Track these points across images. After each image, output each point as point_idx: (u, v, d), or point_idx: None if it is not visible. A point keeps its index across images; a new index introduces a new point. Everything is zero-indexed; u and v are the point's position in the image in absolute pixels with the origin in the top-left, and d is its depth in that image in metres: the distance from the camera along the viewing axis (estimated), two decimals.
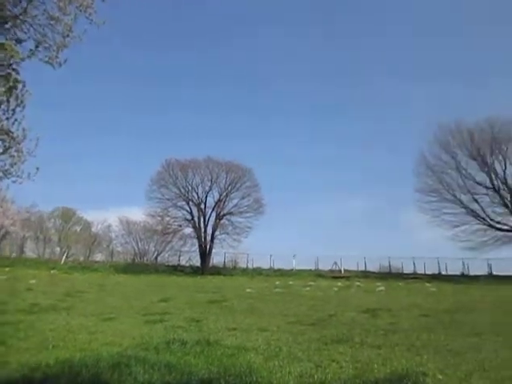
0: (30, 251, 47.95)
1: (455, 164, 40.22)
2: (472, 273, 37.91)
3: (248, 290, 22.39)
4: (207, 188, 43.11)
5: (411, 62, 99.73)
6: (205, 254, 40.30)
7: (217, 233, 41.97)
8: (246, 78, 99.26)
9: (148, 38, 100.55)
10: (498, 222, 38.28)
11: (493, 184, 38.65)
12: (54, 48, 5.88)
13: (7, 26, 5.66)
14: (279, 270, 38.70)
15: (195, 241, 42.35)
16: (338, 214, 78.57)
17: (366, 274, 37.19)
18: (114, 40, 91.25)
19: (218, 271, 38.09)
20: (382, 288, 25.78)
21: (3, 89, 5.67)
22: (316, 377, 5.96)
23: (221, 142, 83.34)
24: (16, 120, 5.91)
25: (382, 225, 75.08)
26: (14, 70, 5.76)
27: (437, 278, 35.27)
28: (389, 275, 37.14)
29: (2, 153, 5.90)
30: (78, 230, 54.48)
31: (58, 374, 5.75)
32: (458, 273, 38.03)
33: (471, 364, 6.76)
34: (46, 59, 5.90)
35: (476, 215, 38.81)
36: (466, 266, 38.62)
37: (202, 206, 42.78)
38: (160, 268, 39.04)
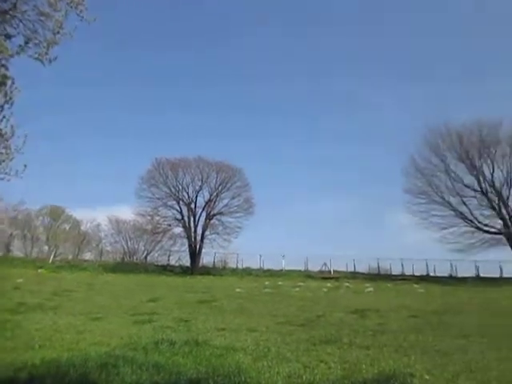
0: (18, 250, 47.26)
1: (444, 166, 40.53)
2: (460, 274, 38.21)
3: (237, 290, 22.37)
4: (198, 187, 43.00)
5: (410, 62, 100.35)
6: (195, 254, 40.15)
7: (207, 233, 41.85)
8: (234, 78, 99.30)
9: (143, 38, 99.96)
10: (486, 225, 38.66)
11: (481, 187, 39.02)
12: (44, 44, 5.81)
13: None
14: (269, 270, 38.67)
15: (185, 240, 42.19)
16: (327, 214, 78.79)
17: (355, 275, 37.32)
18: (107, 40, 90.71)
19: (207, 271, 37.96)
20: (371, 289, 25.93)
21: None
22: (304, 377, 5.98)
23: (211, 141, 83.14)
24: (4, 117, 5.83)
25: (370, 226, 75.51)
26: (2, 65, 5.68)
27: (425, 279, 35.49)
28: (377, 276, 37.34)
29: None
30: (67, 228, 53.81)
31: (45, 374, 5.69)
32: (445, 274, 38.31)
33: (458, 365, 6.83)
34: (36, 56, 5.82)
35: (464, 217, 39.14)
36: (454, 268, 38.95)
37: (193, 206, 42.66)
38: (149, 267, 38.80)
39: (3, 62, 5.68)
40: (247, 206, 42.89)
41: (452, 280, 35.57)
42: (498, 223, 38.22)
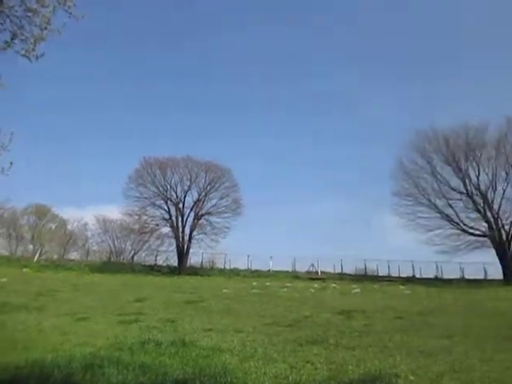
0: (2, 248, 46.67)
1: (431, 169, 40.89)
2: (445, 276, 38.64)
3: (225, 291, 22.33)
4: (186, 187, 42.77)
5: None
6: (182, 254, 39.97)
7: (195, 233, 41.68)
8: (234, 78, 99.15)
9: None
10: (471, 227, 39.11)
11: (466, 189, 39.45)
12: (31, 41, 5.72)
13: None
14: (256, 270, 38.69)
15: (173, 240, 41.97)
16: (317, 216, 79.00)
17: (341, 276, 37.54)
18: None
19: (195, 271, 37.82)
20: (358, 290, 26.09)
21: None
22: (291, 378, 5.99)
23: (198, 141, 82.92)
24: None
25: (357, 227, 75.93)
26: None
27: (411, 280, 35.85)
28: (364, 277, 37.61)
29: None
30: (53, 227, 53.20)
31: (29, 374, 5.61)
32: (431, 276, 38.72)
33: (442, 365, 6.91)
34: (23, 52, 5.74)
35: (450, 220, 39.56)
36: (440, 270, 39.37)
37: (181, 206, 42.43)
38: (136, 267, 38.55)
39: None
40: (235, 207, 42.87)
41: (437, 281, 35.99)
42: (483, 226, 38.70)
